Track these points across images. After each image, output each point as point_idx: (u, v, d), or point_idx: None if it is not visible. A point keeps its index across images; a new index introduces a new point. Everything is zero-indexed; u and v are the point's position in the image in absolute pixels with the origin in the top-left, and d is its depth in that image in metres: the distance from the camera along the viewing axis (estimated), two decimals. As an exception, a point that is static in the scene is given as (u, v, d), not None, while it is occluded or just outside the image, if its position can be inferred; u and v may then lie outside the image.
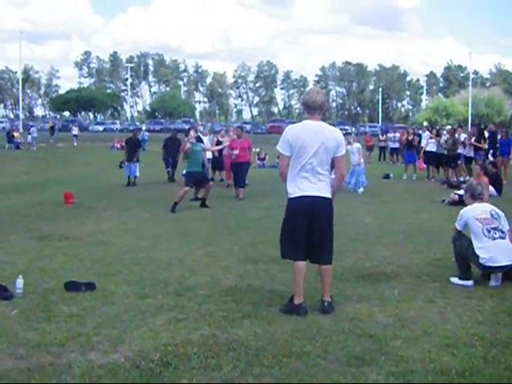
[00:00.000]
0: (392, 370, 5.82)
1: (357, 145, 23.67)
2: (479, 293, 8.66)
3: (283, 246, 7.96)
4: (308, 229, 7.71)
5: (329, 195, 7.81)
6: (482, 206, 9.62)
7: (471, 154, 27.44)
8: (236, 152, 20.40)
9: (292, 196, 7.77)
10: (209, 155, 24.75)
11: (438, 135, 28.81)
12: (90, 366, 5.90)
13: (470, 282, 9.13)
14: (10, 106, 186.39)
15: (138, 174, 25.05)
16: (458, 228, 9.58)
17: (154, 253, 11.34)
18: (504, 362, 6.06)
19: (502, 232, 9.25)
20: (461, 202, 18.18)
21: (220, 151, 24.16)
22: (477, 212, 9.39)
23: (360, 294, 8.54)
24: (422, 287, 8.97)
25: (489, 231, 9.17)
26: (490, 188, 19.37)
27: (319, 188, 7.69)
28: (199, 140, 20.42)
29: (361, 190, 22.36)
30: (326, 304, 7.75)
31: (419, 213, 17.03)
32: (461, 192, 19.39)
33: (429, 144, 28.42)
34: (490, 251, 9.05)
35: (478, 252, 9.10)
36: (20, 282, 8.36)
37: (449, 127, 33.44)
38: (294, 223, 7.77)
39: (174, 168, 26.25)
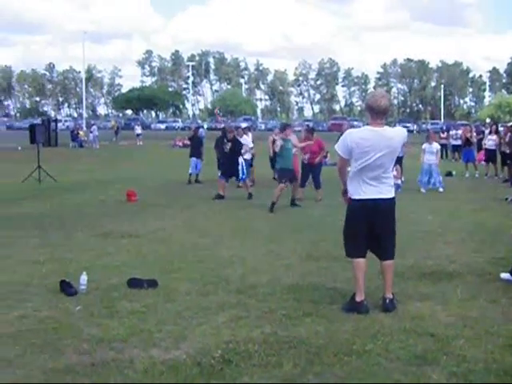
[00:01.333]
0: (454, 370, 5.76)
1: (436, 145, 23.22)
2: (544, 292, 8.52)
3: (345, 244, 7.94)
4: (370, 227, 7.67)
5: (392, 195, 7.72)
6: None
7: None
8: (307, 156, 20.06)
9: (354, 197, 7.70)
10: (247, 156, 24.43)
11: (497, 132, 28.38)
12: (151, 361, 5.99)
13: None
14: (74, 105, 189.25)
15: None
16: None
17: (216, 250, 11.39)
18: None
19: None
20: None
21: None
22: None
23: (422, 292, 8.47)
24: (484, 286, 8.85)
25: None
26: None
27: (382, 190, 7.60)
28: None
29: (441, 189, 21.94)
30: (387, 301, 7.69)
31: (482, 211, 16.81)
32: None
33: (489, 141, 28.01)
34: None
35: None
36: (84, 278, 8.50)
37: (510, 124, 32.81)
38: (355, 223, 7.74)
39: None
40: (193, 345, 6.47)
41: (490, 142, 27.74)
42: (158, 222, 14.66)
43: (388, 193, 7.67)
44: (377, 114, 7.48)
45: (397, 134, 7.72)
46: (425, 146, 22.92)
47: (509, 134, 26.25)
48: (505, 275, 9.22)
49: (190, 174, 24.86)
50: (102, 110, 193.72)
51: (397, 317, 7.42)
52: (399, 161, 22.51)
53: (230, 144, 20.36)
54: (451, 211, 16.81)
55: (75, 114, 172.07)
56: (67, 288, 8.39)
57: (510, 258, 9.63)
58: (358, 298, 7.64)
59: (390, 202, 7.72)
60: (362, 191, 7.58)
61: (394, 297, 7.81)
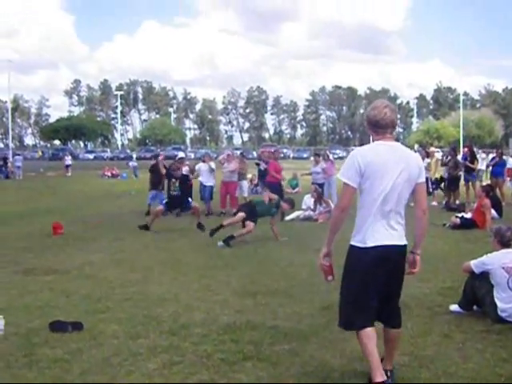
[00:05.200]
0: (415, 421, 5.20)
1: None
2: (497, 326, 8.02)
3: (346, 311, 6.08)
4: (382, 285, 5.97)
5: (405, 241, 6.06)
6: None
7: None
8: None
9: (363, 245, 5.97)
10: (210, 183, 24.21)
11: (428, 156, 27.74)
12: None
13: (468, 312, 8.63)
14: (0, 136, 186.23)
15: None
16: (475, 270, 8.60)
17: (147, 287, 10.68)
18: (539, 408, 5.43)
19: None
20: (462, 226, 17.78)
21: None
22: (505, 260, 8.32)
23: (369, 329, 7.88)
24: (435, 320, 8.38)
25: None
26: (492, 211, 18.87)
27: (398, 234, 6.00)
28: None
29: None
30: (388, 374, 6.05)
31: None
32: (461, 215, 18.96)
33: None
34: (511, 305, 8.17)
35: (497, 303, 8.22)
36: (1, 322, 7.73)
37: (446, 149, 32.58)
38: (364, 282, 5.91)
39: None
40: (121, 399, 5.77)
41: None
42: (85, 257, 13.84)
43: (403, 238, 6.05)
44: (383, 127, 5.93)
45: (411, 154, 6.13)
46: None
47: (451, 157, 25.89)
48: (454, 307, 8.75)
49: (149, 205, 23.16)
50: (29, 140, 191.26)
51: (346, 357, 6.85)
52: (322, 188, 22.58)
53: (177, 182, 19.29)
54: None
55: (1, 145, 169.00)
56: (-18, 334, 7.61)
57: (457, 287, 9.14)
58: (379, 378, 5.77)
59: (405, 249, 6.10)
60: (376, 235, 5.91)
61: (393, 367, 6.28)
